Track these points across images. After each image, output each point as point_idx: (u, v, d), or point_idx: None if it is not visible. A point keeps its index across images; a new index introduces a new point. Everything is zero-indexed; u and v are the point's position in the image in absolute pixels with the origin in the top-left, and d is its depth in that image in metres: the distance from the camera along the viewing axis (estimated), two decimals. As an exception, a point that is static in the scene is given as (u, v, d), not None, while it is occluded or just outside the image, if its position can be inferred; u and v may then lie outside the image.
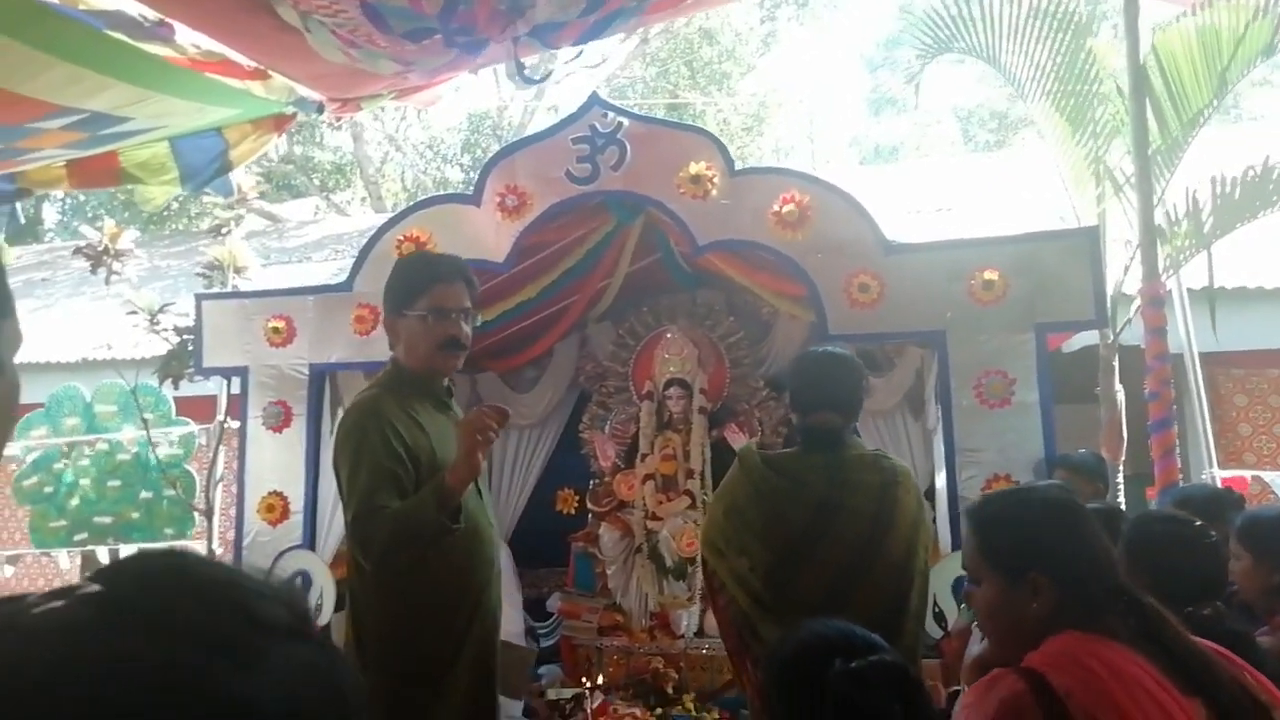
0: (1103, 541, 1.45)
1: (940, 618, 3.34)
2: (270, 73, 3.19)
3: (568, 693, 4.50)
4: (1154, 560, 1.90)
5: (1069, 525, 1.45)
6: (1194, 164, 4.02)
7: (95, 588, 0.46)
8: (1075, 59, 4.07)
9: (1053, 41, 4.07)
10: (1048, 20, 4.05)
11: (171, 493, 5.24)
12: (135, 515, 5.39)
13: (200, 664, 0.43)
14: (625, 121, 4.04)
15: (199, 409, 5.48)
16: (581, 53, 3.45)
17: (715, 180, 3.90)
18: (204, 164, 3.65)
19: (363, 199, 16.68)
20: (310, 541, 4.11)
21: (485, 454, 2.15)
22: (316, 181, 16.60)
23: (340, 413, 3.37)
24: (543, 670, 4.81)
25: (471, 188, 4.25)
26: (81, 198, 17.29)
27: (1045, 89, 4.18)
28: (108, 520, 5.41)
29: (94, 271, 5.31)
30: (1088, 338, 4.36)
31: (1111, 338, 4.06)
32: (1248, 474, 5.01)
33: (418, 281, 2.29)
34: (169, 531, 5.41)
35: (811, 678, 1.33)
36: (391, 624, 2.18)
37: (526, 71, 3.17)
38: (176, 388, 5.15)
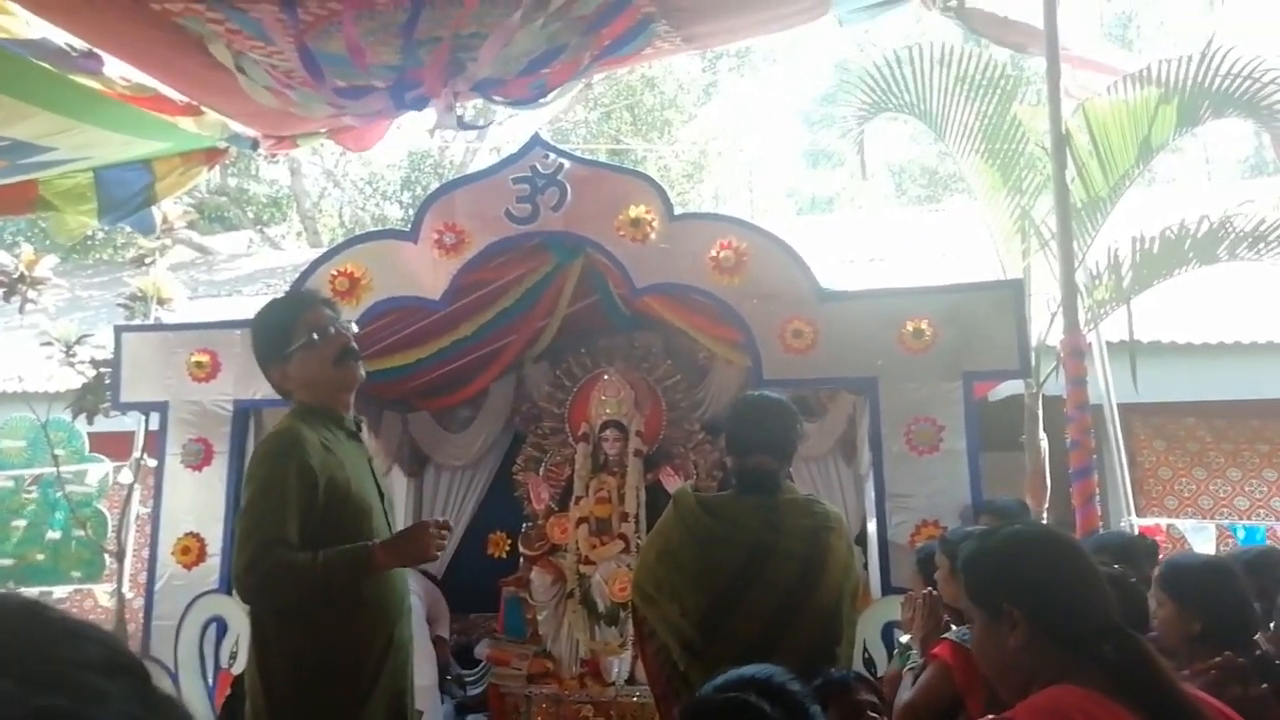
0: (1090, 579, 1.40)
1: (869, 664, 3.34)
2: (203, 109, 3.11)
3: (495, 743, 4.37)
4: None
5: (1046, 559, 1.42)
6: (1113, 224, 4.20)
7: None
8: (1002, 120, 4.25)
9: (981, 103, 4.24)
10: (976, 83, 4.22)
11: (81, 533, 4.99)
12: (40, 557, 5.11)
13: (68, 707, 0.45)
14: (566, 163, 4.06)
15: (114, 445, 5.25)
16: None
17: (654, 224, 3.93)
18: (126, 196, 3.53)
19: (298, 234, 16.38)
20: (227, 586, 3.94)
21: (433, 556, 2.25)
22: (251, 214, 16.25)
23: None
24: (470, 720, 4.67)
25: (410, 225, 4.22)
26: None
27: (974, 147, 4.34)
28: (9, 562, 5.12)
29: (7, 300, 5.09)
30: (1013, 387, 4.48)
31: (1035, 388, 4.17)
32: (1163, 522, 5.17)
33: (288, 317, 2.30)
34: (76, 574, 5.14)
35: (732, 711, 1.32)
36: (301, 661, 2.12)
37: (465, 120, 3.16)
38: (91, 423, 4.94)
